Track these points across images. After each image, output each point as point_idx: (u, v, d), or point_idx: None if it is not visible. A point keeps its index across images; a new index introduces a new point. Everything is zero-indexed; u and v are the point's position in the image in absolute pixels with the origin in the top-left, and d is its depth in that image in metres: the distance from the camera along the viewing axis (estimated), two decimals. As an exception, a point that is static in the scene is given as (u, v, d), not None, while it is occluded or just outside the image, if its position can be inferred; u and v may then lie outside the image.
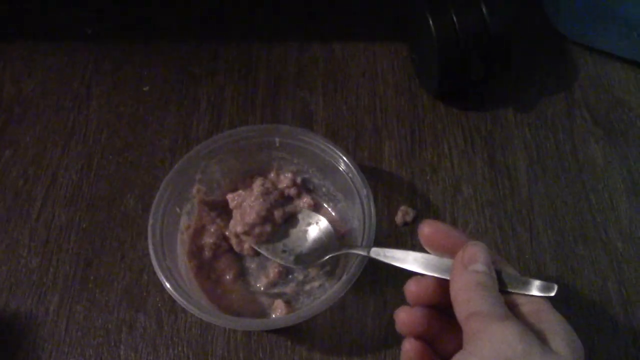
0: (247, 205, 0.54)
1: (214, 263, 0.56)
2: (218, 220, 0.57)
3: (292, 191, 0.58)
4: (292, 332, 0.53)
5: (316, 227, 0.54)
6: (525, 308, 0.38)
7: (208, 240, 0.56)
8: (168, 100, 0.69)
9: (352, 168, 0.54)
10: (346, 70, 0.71)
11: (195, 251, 0.56)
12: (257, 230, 0.53)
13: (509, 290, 0.39)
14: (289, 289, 0.54)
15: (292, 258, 0.53)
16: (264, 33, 0.74)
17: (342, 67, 0.71)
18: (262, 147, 0.58)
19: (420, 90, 0.68)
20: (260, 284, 0.55)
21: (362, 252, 0.47)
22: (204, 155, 0.56)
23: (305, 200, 0.58)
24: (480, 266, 0.38)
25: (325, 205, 0.59)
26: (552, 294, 0.38)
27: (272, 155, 0.58)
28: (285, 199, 0.58)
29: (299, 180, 0.59)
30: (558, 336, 0.35)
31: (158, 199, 0.53)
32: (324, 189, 0.59)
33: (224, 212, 0.57)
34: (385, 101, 0.68)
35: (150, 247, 0.51)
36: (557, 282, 0.54)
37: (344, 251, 0.51)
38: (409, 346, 0.41)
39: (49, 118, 0.68)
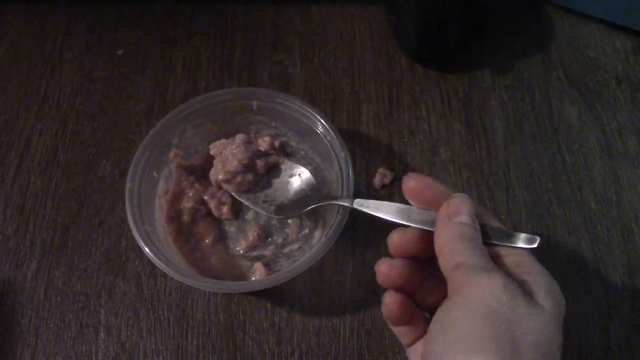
0: (229, 153, 0.53)
1: (193, 227, 0.56)
2: (196, 185, 0.57)
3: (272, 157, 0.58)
4: (271, 295, 0.54)
5: (298, 179, 0.54)
6: (509, 259, 0.38)
7: (186, 204, 0.56)
8: (143, 64, 0.68)
9: (330, 131, 0.53)
10: (323, 33, 0.70)
11: (174, 216, 0.56)
12: (238, 178, 0.52)
13: (493, 242, 0.39)
14: (268, 251, 0.55)
15: (273, 208, 0.53)
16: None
17: (319, 30, 0.70)
18: (239, 111, 0.57)
19: (398, 52, 0.68)
20: (240, 248, 0.55)
21: (345, 203, 0.47)
22: (180, 119, 0.55)
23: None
24: (464, 217, 0.38)
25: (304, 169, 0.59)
26: (535, 246, 0.38)
27: (250, 118, 0.58)
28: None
29: (277, 143, 0.59)
30: (542, 288, 0.36)
31: (135, 162, 0.53)
32: (302, 152, 0.59)
33: (202, 176, 0.57)
34: (363, 64, 0.67)
35: (128, 211, 0.50)
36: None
37: (326, 202, 0.50)
38: (389, 299, 0.41)
39: (21, 83, 0.66)
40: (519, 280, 0.36)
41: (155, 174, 0.55)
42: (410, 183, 0.42)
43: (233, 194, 0.54)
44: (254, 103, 0.57)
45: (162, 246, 0.51)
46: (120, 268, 0.56)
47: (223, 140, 0.54)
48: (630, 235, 0.57)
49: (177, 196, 0.56)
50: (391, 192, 0.59)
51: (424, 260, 0.42)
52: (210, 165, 0.55)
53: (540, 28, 0.70)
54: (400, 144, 0.62)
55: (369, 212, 0.44)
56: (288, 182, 0.54)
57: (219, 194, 0.56)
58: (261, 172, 0.54)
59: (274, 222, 0.56)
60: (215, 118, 0.57)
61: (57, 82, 0.66)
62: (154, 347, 0.52)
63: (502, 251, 0.39)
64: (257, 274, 0.53)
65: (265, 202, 0.53)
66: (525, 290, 0.36)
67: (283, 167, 0.55)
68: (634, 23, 0.67)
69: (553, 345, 0.34)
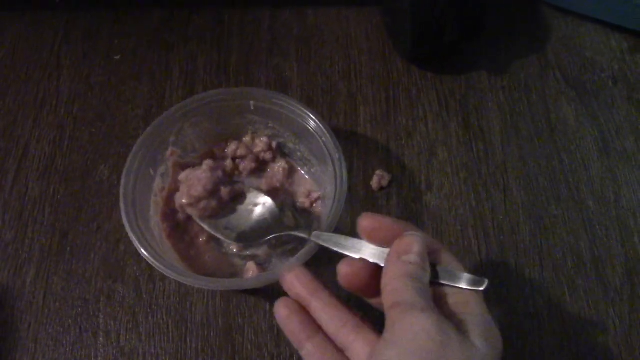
0: (194, 177, 0.53)
1: (188, 225, 0.56)
2: None
3: (268, 155, 0.59)
4: (269, 297, 0.54)
5: (262, 207, 0.54)
6: (452, 299, 0.38)
7: None
8: (140, 70, 0.68)
9: (326, 132, 0.53)
10: (320, 36, 0.70)
11: (169, 213, 0.56)
12: (202, 204, 0.52)
13: (440, 282, 0.39)
14: (261, 251, 0.55)
15: (234, 235, 0.53)
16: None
17: (315, 33, 0.70)
18: (236, 111, 0.57)
19: (394, 54, 0.68)
20: (233, 247, 0.55)
21: (303, 235, 0.48)
22: (177, 118, 0.55)
23: (281, 164, 0.58)
24: (413, 257, 0.38)
25: (300, 169, 0.60)
26: (481, 289, 0.38)
27: (247, 118, 0.58)
28: (232, 179, 0.58)
29: (274, 144, 0.59)
30: (478, 328, 0.36)
31: (131, 159, 0.53)
32: (298, 154, 0.59)
33: None
34: (359, 66, 0.68)
35: (122, 207, 0.50)
36: (530, 242, 0.56)
37: (285, 232, 0.51)
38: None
39: (19, 89, 0.67)
40: (457, 320, 0.36)
41: (151, 171, 0.55)
42: (364, 223, 0.41)
43: (195, 218, 0.54)
44: (252, 103, 0.57)
45: (155, 243, 0.51)
46: (118, 273, 0.56)
47: (190, 169, 0.54)
48: (629, 235, 0.57)
49: (173, 194, 0.56)
50: (389, 194, 0.59)
51: (372, 296, 0.41)
52: None
53: (537, 29, 0.70)
54: (398, 146, 0.62)
55: (326, 245, 0.44)
56: (252, 211, 0.54)
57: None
58: (225, 199, 0.54)
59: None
60: (213, 117, 0.57)
61: (55, 88, 0.67)
62: (153, 351, 0.52)
63: (450, 291, 0.39)
64: (250, 274, 0.53)
65: (226, 229, 0.53)
66: (461, 330, 0.36)
67: (248, 195, 0.55)
68: (630, 23, 0.68)
69: None
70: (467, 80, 0.66)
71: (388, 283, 0.38)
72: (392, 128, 0.63)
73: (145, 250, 0.48)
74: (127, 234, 0.51)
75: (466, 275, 0.39)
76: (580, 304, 0.53)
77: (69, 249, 0.57)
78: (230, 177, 0.58)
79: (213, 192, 0.53)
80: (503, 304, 0.53)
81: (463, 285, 0.38)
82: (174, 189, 0.56)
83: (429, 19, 0.60)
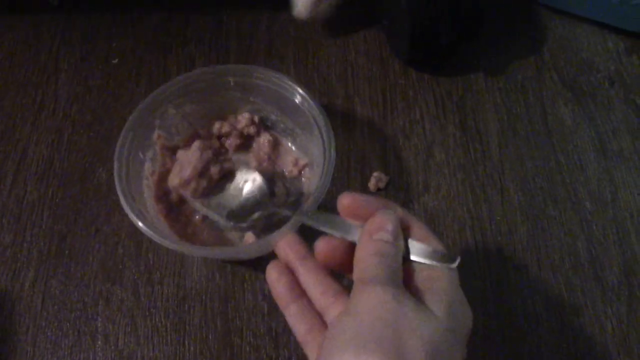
0: (184, 159, 0.55)
1: (182, 206, 0.57)
2: None
3: (252, 129, 0.60)
4: (268, 299, 0.54)
5: (251, 184, 0.55)
6: (422, 274, 0.39)
7: None
8: (138, 72, 0.68)
9: (308, 99, 0.55)
10: (317, 39, 0.70)
11: (162, 195, 0.57)
12: (192, 184, 0.54)
13: (412, 258, 0.39)
14: (257, 222, 0.55)
15: (225, 212, 0.54)
16: (233, 1, 0.73)
17: (312, 35, 0.71)
18: (217, 89, 0.59)
19: (391, 57, 0.68)
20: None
21: (288, 213, 0.49)
22: (160, 100, 0.56)
23: (265, 137, 0.60)
24: (384, 235, 0.39)
25: (285, 141, 0.61)
26: (453, 265, 0.38)
27: (228, 95, 0.59)
28: (224, 155, 0.59)
29: (256, 119, 0.60)
30: (442, 301, 0.36)
31: (120, 143, 0.53)
32: (282, 125, 0.60)
33: None
34: (356, 69, 0.68)
35: (119, 190, 0.51)
36: (527, 243, 0.56)
37: (271, 210, 0.52)
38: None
39: (17, 93, 0.67)
40: (423, 294, 0.37)
41: (141, 155, 0.56)
42: (344, 201, 0.42)
43: (188, 198, 0.55)
44: (231, 80, 0.58)
45: (153, 223, 0.51)
46: (117, 276, 0.56)
47: (181, 151, 0.57)
48: (626, 235, 0.57)
49: (163, 176, 0.57)
50: (386, 196, 0.59)
51: (350, 272, 0.42)
52: None
53: (533, 30, 0.70)
54: (395, 148, 0.62)
55: (309, 223, 0.44)
56: (242, 189, 0.55)
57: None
58: (215, 178, 0.55)
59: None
60: (195, 98, 0.58)
61: (53, 92, 0.67)
62: (151, 354, 0.52)
63: (422, 267, 0.39)
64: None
65: (218, 206, 0.55)
66: (425, 302, 0.36)
67: (238, 173, 0.56)
68: (626, 24, 0.68)
69: (444, 354, 0.34)
70: (464, 81, 0.66)
71: (359, 260, 0.39)
72: (389, 130, 0.63)
73: (150, 229, 0.49)
74: (125, 236, 0.52)
75: (439, 252, 0.39)
76: (578, 304, 0.54)
77: (67, 252, 0.57)
78: (218, 156, 0.58)
79: (203, 172, 0.55)
80: (501, 304, 0.54)
81: (435, 262, 0.39)
82: (164, 172, 0.57)
83: (425, 22, 0.60)
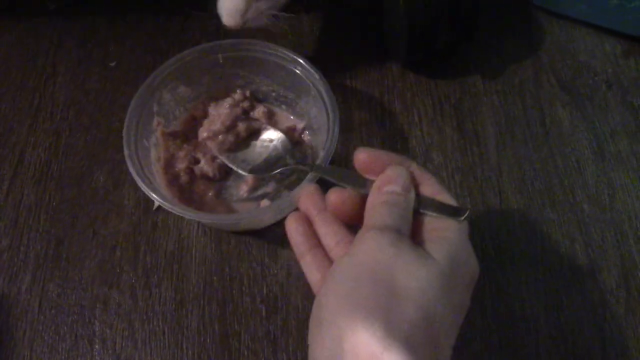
0: (215, 114, 0.59)
1: (193, 186, 0.58)
2: (185, 145, 0.60)
3: (246, 104, 0.61)
4: (266, 301, 0.54)
5: (275, 142, 0.57)
6: (430, 225, 0.40)
7: (180, 165, 0.59)
8: (135, 76, 0.68)
9: (299, 60, 0.57)
10: (314, 42, 0.70)
11: (172, 179, 0.58)
12: (220, 137, 0.57)
13: (421, 210, 0.41)
14: (270, 188, 0.58)
15: (249, 168, 0.56)
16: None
17: (310, 39, 0.71)
18: (208, 68, 0.60)
19: (389, 59, 0.68)
20: (242, 192, 0.58)
21: (306, 169, 0.52)
22: (155, 86, 0.58)
23: (259, 109, 0.61)
24: (394, 187, 0.40)
25: (279, 110, 0.62)
26: (461, 218, 0.39)
27: (219, 73, 0.61)
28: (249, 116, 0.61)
29: (247, 93, 0.62)
30: (442, 247, 0.38)
31: (126, 131, 0.54)
32: (273, 94, 0.62)
33: (187, 137, 0.61)
34: (354, 71, 0.68)
35: (134, 174, 0.52)
36: (525, 246, 0.56)
37: (291, 166, 0.54)
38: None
39: (14, 96, 0.67)
40: (425, 241, 0.39)
41: (146, 142, 0.57)
42: (360, 156, 0.43)
43: (215, 151, 0.58)
44: (220, 56, 0.59)
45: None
46: (114, 279, 0.55)
47: (214, 104, 0.60)
48: (624, 238, 0.57)
49: (169, 161, 0.59)
50: (385, 199, 0.59)
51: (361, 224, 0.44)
52: (191, 127, 0.60)
53: (530, 33, 0.70)
54: (393, 151, 0.61)
55: (327, 177, 0.46)
56: (266, 147, 0.58)
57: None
58: (242, 135, 0.58)
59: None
60: (187, 79, 0.60)
61: (50, 95, 0.67)
62: (149, 358, 0.52)
63: (431, 219, 0.40)
64: None
65: (243, 161, 0.57)
66: (424, 248, 0.38)
67: (264, 132, 0.59)
68: (624, 27, 0.68)
69: (438, 296, 0.35)
70: (462, 84, 0.67)
71: (368, 208, 0.41)
72: (387, 133, 0.63)
73: (169, 202, 0.51)
74: (123, 239, 0.52)
75: (449, 206, 0.40)
76: (576, 307, 0.53)
77: (64, 255, 0.57)
78: (247, 114, 0.61)
79: (231, 128, 0.58)
80: (499, 307, 0.54)
81: (444, 215, 0.40)
82: (169, 157, 0.59)
83: (422, 25, 0.60)
